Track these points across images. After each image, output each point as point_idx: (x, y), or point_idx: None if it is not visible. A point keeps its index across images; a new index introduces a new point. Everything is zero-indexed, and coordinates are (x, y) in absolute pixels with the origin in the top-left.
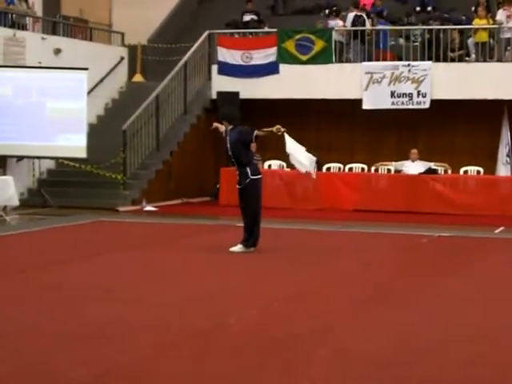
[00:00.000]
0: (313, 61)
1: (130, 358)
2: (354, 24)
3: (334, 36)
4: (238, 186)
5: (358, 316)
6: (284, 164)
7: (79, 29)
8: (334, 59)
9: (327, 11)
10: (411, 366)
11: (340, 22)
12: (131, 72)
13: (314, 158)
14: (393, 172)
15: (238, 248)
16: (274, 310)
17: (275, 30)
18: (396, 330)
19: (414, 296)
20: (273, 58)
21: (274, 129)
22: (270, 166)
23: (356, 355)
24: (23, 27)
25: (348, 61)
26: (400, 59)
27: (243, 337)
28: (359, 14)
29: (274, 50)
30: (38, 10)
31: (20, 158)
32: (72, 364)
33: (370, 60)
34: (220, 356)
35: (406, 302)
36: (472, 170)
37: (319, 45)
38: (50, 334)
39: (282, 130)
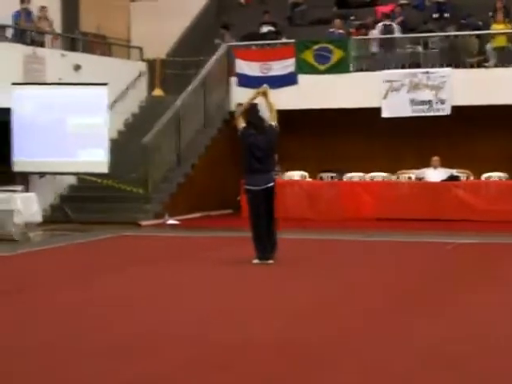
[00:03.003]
0: (331, 70)
1: (156, 372)
2: (383, 33)
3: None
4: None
5: (384, 326)
6: (306, 174)
7: (98, 44)
8: (352, 68)
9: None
10: (439, 377)
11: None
12: (151, 86)
13: None
14: (414, 180)
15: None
16: (299, 320)
17: (293, 40)
18: (423, 340)
19: (440, 305)
20: (291, 69)
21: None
22: (291, 176)
23: (382, 366)
24: (42, 44)
25: (366, 69)
26: (418, 66)
27: (269, 348)
28: (388, 23)
29: (292, 60)
30: (57, 26)
31: (42, 175)
32: (97, 377)
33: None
34: (247, 367)
35: (432, 311)
36: (494, 175)
37: (337, 54)
38: (74, 349)
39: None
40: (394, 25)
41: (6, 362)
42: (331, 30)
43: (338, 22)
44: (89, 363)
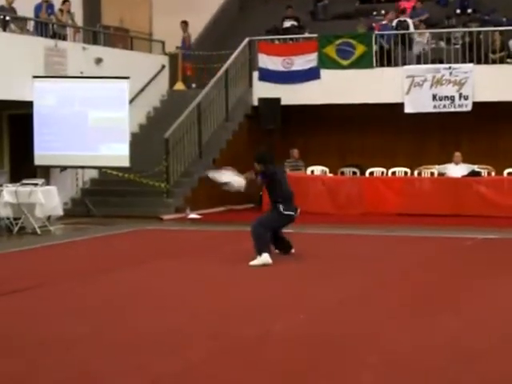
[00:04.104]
0: (354, 65)
1: (180, 366)
2: (396, 29)
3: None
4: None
5: (406, 320)
6: (327, 169)
7: (120, 38)
8: (374, 63)
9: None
10: (461, 371)
11: None
12: (172, 80)
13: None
14: (436, 175)
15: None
16: (321, 315)
17: (315, 35)
18: (445, 334)
19: (461, 300)
20: (314, 64)
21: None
22: (312, 171)
23: (405, 360)
24: (64, 37)
25: (389, 65)
26: (441, 62)
27: (291, 343)
28: (403, 19)
29: (314, 55)
30: (79, 19)
31: (64, 168)
32: (121, 372)
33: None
34: (269, 362)
35: (453, 306)
36: None
37: (360, 49)
38: (98, 344)
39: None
40: (409, 20)
41: (29, 356)
42: (383, 22)
43: (391, 14)
44: (113, 358)
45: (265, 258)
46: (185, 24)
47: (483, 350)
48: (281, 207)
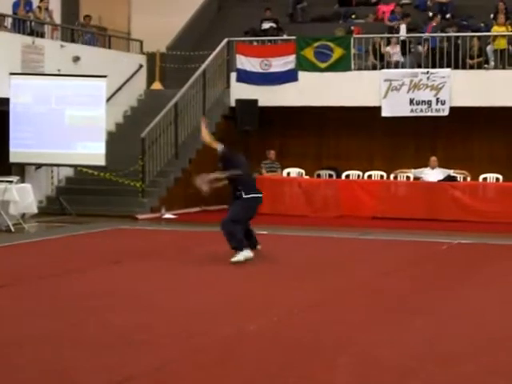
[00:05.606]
0: (332, 68)
1: (152, 365)
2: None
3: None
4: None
5: (379, 324)
6: (303, 172)
7: (98, 36)
8: (352, 67)
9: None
10: (433, 373)
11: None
12: (150, 80)
13: None
14: (412, 179)
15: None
16: (294, 317)
17: (294, 37)
18: (417, 338)
19: (435, 304)
20: (292, 66)
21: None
22: (289, 173)
23: (378, 362)
24: (42, 35)
25: (367, 68)
26: (419, 66)
27: (264, 343)
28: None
29: (292, 57)
30: (57, 17)
31: (39, 166)
32: (93, 371)
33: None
34: (242, 362)
35: (427, 310)
36: (491, 177)
37: (338, 52)
38: (71, 342)
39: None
40: (402, 26)
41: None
42: (433, 24)
43: (437, 19)
44: (86, 357)
45: (246, 252)
46: (88, 18)
47: (456, 354)
48: (243, 194)
